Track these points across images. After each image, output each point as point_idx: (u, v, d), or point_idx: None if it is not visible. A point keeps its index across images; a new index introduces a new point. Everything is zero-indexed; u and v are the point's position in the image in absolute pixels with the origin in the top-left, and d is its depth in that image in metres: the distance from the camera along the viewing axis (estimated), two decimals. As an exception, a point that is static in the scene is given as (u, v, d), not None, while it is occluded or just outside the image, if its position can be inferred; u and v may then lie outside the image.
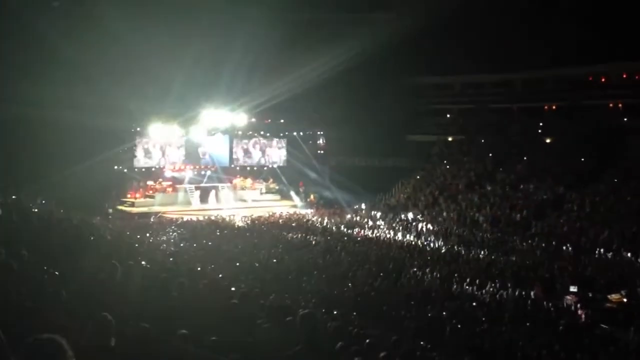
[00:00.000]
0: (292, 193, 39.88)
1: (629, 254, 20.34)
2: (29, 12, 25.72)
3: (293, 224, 29.43)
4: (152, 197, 35.48)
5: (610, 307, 14.76)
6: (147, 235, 24.93)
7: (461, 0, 32.06)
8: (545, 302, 15.01)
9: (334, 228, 28.58)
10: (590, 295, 15.51)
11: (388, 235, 26.95)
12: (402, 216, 30.95)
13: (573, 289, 15.67)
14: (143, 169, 36.59)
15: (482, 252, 22.32)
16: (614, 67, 34.77)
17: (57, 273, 6.56)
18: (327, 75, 32.83)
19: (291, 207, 37.37)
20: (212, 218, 30.66)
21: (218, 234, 26.11)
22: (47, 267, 6.90)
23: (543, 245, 22.89)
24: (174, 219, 30.89)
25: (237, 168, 40.56)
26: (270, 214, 32.77)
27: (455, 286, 16.70)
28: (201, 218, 30.67)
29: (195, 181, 37.96)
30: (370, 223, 30.12)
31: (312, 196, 39.48)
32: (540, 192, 29.58)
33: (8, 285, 5.24)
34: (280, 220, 30.74)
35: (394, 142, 39.27)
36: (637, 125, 31.46)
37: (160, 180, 36.74)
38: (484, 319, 13.15)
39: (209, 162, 39.15)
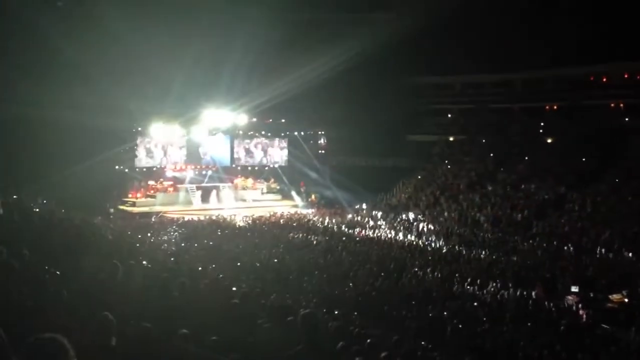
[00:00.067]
0: (293, 193, 39.90)
1: (630, 254, 20.31)
2: (29, 13, 25.73)
3: (294, 224, 29.42)
4: (153, 196, 35.54)
5: (611, 307, 14.74)
6: (148, 235, 24.94)
7: (461, 0, 32.05)
8: (546, 302, 14.99)
9: (335, 228, 28.56)
10: (592, 295, 15.49)
11: (389, 235, 26.93)
12: (403, 216, 30.93)
13: (574, 289, 15.66)
14: (144, 169, 36.65)
15: (483, 252, 22.30)
16: (616, 67, 34.74)
17: (58, 273, 6.56)
18: (328, 75, 32.84)
19: (292, 207, 37.38)
20: (213, 218, 30.68)
21: (219, 233, 26.12)
22: (49, 267, 6.89)
23: (544, 245, 22.85)
24: (175, 219, 30.90)
25: (238, 168, 40.60)
26: (272, 213, 32.77)
27: (456, 286, 16.68)
28: (202, 218, 30.68)
29: (196, 181, 38.01)
30: (371, 223, 30.10)
31: (313, 196, 39.49)
32: (541, 192, 29.56)
33: (9, 285, 5.24)
34: (282, 220, 30.73)
35: (394, 142, 39.28)
36: (638, 125, 31.43)
37: (162, 180, 36.80)
38: (485, 319, 13.13)
39: (210, 162, 39.18)
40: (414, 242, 25.14)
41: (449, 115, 42.79)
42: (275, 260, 19.90)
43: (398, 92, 39.80)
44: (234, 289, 9.31)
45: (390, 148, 39.01)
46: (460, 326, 12.13)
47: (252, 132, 40.49)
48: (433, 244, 24.88)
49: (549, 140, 35.73)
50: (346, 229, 28.31)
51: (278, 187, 40.90)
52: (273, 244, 23.04)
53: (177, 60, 30.56)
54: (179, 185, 37.11)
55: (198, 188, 37.26)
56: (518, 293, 15.79)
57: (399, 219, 30.34)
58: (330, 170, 40.20)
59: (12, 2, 25.74)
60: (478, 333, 11.91)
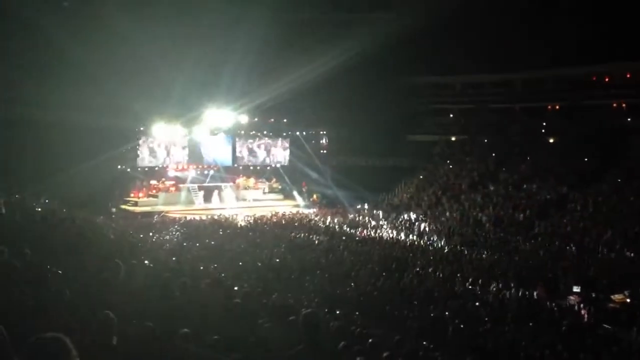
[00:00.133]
0: (295, 193, 39.90)
1: (632, 254, 20.29)
2: (34, 13, 25.78)
3: (296, 224, 29.41)
4: (155, 196, 35.58)
5: (613, 308, 14.73)
6: (150, 234, 24.97)
7: (461, 0, 32.05)
8: (548, 302, 14.98)
9: (336, 228, 28.56)
10: (594, 295, 15.47)
11: (391, 235, 26.92)
12: (405, 216, 30.92)
13: (576, 289, 15.64)
14: (146, 169, 36.69)
15: (485, 252, 22.28)
16: (617, 67, 34.70)
17: (60, 272, 6.57)
18: (329, 75, 32.83)
19: (294, 206, 37.39)
20: (215, 217, 30.69)
21: (221, 233, 26.12)
22: (50, 266, 6.91)
23: (546, 245, 22.86)
24: (177, 219, 30.92)
25: (240, 167, 40.63)
26: (273, 213, 32.78)
27: (458, 286, 16.67)
28: (204, 217, 30.69)
29: (198, 180, 38.04)
30: (373, 223, 30.09)
31: (314, 196, 39.49)
32: (543, 192, 29.54)
33: (11, 284, 5.25)
34: (283, 220, 30.73)
35: (396, 142, 39.29)
36: (640, 125, 31.44)
37: (164, 179, 36.84)
38: (486, 318, 13.12)
39: (212, 162, 39.21)
40: (416, 242, 25.13)
41: (450, 115, 42.77)
42: (277, 260, 19.89)
43: (399, 92, 39.81)
44: (235, 288, 9.33)
45: (391, 148, 39.01)
46: (462, 326, 12.12)
47: (253, 132, 40.51)
48: (435, 244, 24.87)
49: (551, 140, 35.70)
50: (348, 229, 28.30)
51: (280, 187, 40.92)
52: (275, 244, 23.03)
53: (180, 61, 30.61)
54: (180, 185, 37.15)
55: (200, 188, 37.30)
56: (520, 293, 15.76)
57: (400, 219, 30.33)
58: (332, 170, 40.19)
59: (17, 3, 25.80)
60: (480, 333, 11.90)
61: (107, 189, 32.32)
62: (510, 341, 11.43)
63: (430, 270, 18.36)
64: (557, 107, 37.33)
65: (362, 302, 14.50)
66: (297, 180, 40.35)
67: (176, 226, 28.35)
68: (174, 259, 14.85)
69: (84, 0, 30.92)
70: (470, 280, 17.12)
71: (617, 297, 15.29)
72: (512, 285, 16.40)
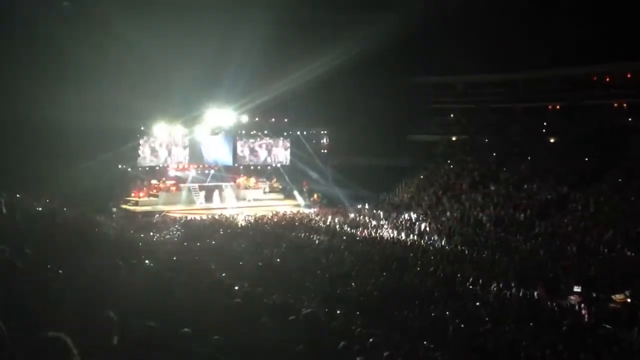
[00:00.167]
0: (296, 192, 39.89)
1: (633, 254, 20.28)
2: (34, 14, 25.78)
3: (296, 224, 29.42)
4: (155, 196, 35.59)
5: (614, 308, 14.73)
6: (151, 234, 24.98)
7: (461, 0, 32.04)
8: (549, 302, 14.99)
9: (337, 227, 28.56)
10: (594, 295, 15.47)
11: (391, 235, 26.90)
12: (406, 216, 30.91)
13: (577, 289, 15.65)
14: (147, 168, 36.70)
15: (486, 252, 22.26)
16: (618, 67, 34.66)
17: (60, 272, 6.57)
18: (330, 74, 32.84)
19: (294, 206, 37.38)
20: (216, 217, 30.70)
21: (221, 233, 26.13)
22: (51, 266, 6.91)
23: (547, 245, 22.82)
24: (178, 218, 30.92)
25: (241, 167, 40.64)
26: (274, 213, 32.78)
27: (458, 286, 16.67)
28: (205, 217, 30.70)
29: (199, 180, 38.04)
30: (374, 222, 30.08)
31: (315, 195, 39.48)
32: (543, 192, 29.53)
33: (12, 284, 5.25)
34: (284, 220, 30.72)
35: (396, 142, 39.25)
36: (641, 125, 31.41)
37: (164, 179, 36.86)
38: (487, 318, 13.13)
39: (212, 162, 39.22)
40: (416, 242, 25.11)
41: (451, 115, 42.76)
42: (278, 260, 19.91)
43: (400, 91, 39.81)
44: (236, 288, 9.32)
45: (392, 148, 38.97)
46: (462, 326, 12.14)
47: (254, 132, 40.51)
48: (435, 244, 24.85)
49: (551, 140, 35.68)
50: (348, 229, 28.29)
51: (280, 187, 40.93)
52: (275, 244, 23.04)
53: (181, 61, 30.61)
54: (181, 185, 37.16)
55: (201, 187, 37.31)
56: (520, 293, 15.77)
57: (401, 219, 30.32)
58: (333, 170, 40.17)
59: (18, 4, 25.81)
60: (480, 333, 11.91)
61: (107, 188, 32.33)
62: (511, 341, 11.44)
63: (430, 270, 18.36)
64: (558, 107, 37.29)
65: (363, 302, 14.51)
66: (297, 180, 40.35)
67: (177, 226, 28.36)
68: (174, 258, 14.85)
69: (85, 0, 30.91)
70: (470, 280, 17.13)
71: (617, 297, 15.29)
72: (513, 285, 16.41)
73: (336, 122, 38.58)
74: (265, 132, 40.90)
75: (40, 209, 20.12)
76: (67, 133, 27.31)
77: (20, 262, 6.10)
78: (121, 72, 28.54)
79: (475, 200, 30.92)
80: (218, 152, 39.37)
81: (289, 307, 8.11)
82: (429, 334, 11.47)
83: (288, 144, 41.85)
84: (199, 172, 38.54)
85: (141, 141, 36.03)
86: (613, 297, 15.32)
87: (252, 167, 41.13)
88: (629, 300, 15.10)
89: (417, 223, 28.97)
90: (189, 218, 30.59)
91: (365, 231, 27.80)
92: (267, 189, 40.11)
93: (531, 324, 12.79)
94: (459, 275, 17.66)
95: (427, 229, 27.67)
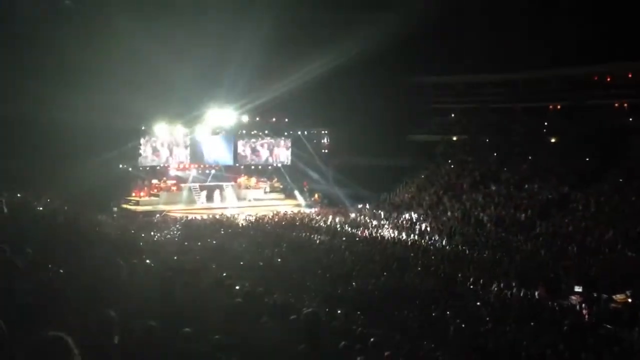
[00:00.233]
0: (296, 192, 39.91)
1: (633, 254, 20.25)
2: (37, 14, 25.80)
3: (297, 223, 29.43)
4: (156, 195, 35.63)
5: (615, 308, 14.73)
6: (152, 233, 24.99)
7: (462, 0, 32.07)
8: (549, 302, 14.98)
9: (337, 227, 28.56)
10: (595, 295, 15.46)
11: (392, 235, 26.90)
12: (406, 216, 30.89)
13: (578, 289, 15.65)
14: (148, 168, 36.72)
15: (487, 252, 22.24)
16: (619, 67, 34.60)
17: (61, 271, 6.58)
18: (331, 74, 32.83)
19: (295, 206, 37.40)
20: (217, 217, 30.71)
21: (222, 232, 26.14)
22: (52, 265, 6.91)
23: (548, 245, 22.80)
24: (178, 218, 30.94)
25: (242, 167, 40.66)
26: (274, 213, 32.80)
27: (459, 286, 16.67)
28: (205, 217, 30.72)
29: (200, 180, 38.07)
30: (374, 222, 30.08)
31: (316, 195, 39.49)
32: (544, 192, 29.50)
33: (13, 284, 5.26)
34: (284, 221, 30.72)
35: (397, 142, 39.21)
36: (642, 125, 31.38)
37: (165, 179, 36.89)
38: (488, 318, 13.13)
39: (213, 162, 39.23)
40: (417, 242, 25.11)
41: (452, 115, 42.73)
42: (278, 260, 19.92)
43: (400, 91, 39.77)
44: (236, 287, 9.33)
45: (393, 148, 38.91)
46: (463, 326, 12.14)
47: (255, 132, 40.53)
48: (436, 244, 24.84)
49: (552, 140, 35.65)
50: (349, 229, 28.29)
51: (281, 186, 40.95)
52: (276, 243, 23.06)
53: (182, 60, 30.61)
54: (182, 185, 37.19)
55: (201, 187, 37.34)
56: (521, 293, 15.77)
57: (401, 219, 30.31)
58: (333, 170, 40.18)
59: (21, 4, 25.83)
60: (481, 333, 11.91)
61: (108, 188, 32.32)
62: (512, 341, 11.44)
63: (431, 270, 18.36)
64: (559, 107, 37.26)
65: (364, 301, 14.51)
66: (298, 180, 40.36)
67: (177, 225, 28.37)
68: (175, 258, 14.87)
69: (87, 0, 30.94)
70: (471, 280, 17.13)
71: (618, 297, 15.29)
72: (514, 285, 16.41)
73: (336, 122, 38.58)
74: (266, 132, 40.92)
75: (41, 208, 20.14)
76: (68, 133, 27.32)
77: (21, 262, 6.11)
78: (123, 72, 28.53)
79: (476, 200, 30.89)
80: (218, 152, 39.38)
81: (290, 306, 8.11)
82: (429, 333, 11.48)
83: (289, 144, 41.87)
84: (200, 171, 38.57)
85: (142, 141, 36.05)
86: (614, 297, 15.31)
87: (252, 167, 41.15)
88: (629, 300, 15.10)
89: (418, 223, 28.96)
90: (189, 218, 30.61)
91: (366, 231, 27.80)
92: (267, 189, 40.13)
93: (532, 324, 12.79)
94: (459, 275, 17.67)
95: (428, 229, 27.66)
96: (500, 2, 33.82)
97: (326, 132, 42.42)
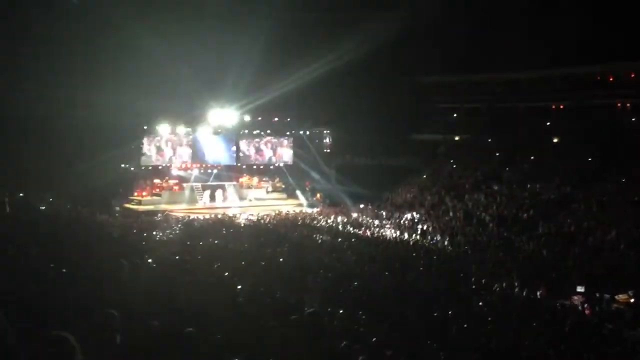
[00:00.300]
0: (298, 192, 39.92)
1: (636, 254, 20.21)
2: (39, 12, 25.85)
3: (299, 223, 29.43)
4: (158, 195, 35.70)
5: (617, 307, 14.71)
6: (154, 233, 24.99)
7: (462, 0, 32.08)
8: (552, 302, 14.96)
9: (339, 227, 28.56)
10: (597, 295, 15.45)
11: (394, 235, 26.89)
12: (408, 215, 30.87)
13: (580, 289, 15.63)
14: (150, 167, 36.78)
15: (489, 252, 22.24)
16: (622, 67, 34.53)
17: (64, 270, 6.60)
18: (333, 74, 32.85)
19: (297, 205, 37.41)
20: (219, 216, 30.73)
21: (224, 232, 26.14)
22: (55, 265, 6.93)
23: (550, 245, 22.77)
24: (181, 217, 30.95)
25: (243, 167, 40.68)
26: (276, 212, 32.81)
27: (461, 286, 16.65)
28: (207, 216, 30.73)
29: (202, 179, 38.11)
30: (376, 222, 30.07)
31: (318, 195, 39.51)
32: (547, 191, 29.44)
33: (16, 282, 5.28)
34: (286, 220, 30.72)
35: (399, 142, 39.26)
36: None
37: (167, 178, 36.94)
38: (490, 318, 13.11)
39: (215, 162, 39.28)
40: (419, 242, 25.10)
41: (454, 115, 42.70)
42: (280, 259, 19.90)
43: (403, 91, 39.80)
44: (239, 287, 9.34)
45: (395, 147, 38.99)
46: (465, 326, 12.12)
47: (257, 131, 40.55)
48: (438, 244, 24.83)
49: (555, 140, 35.60)
50: (351, 228, 28.29)
51: (283, 186, 40.97)
52: (278, 243, 23.05)
53: (184, 60, 30.68)
54: (184, 184, 37.23)
55: (203, 187, 37.38)
56: (524, 293, 15.75)
57: (404, 219, 30.30)
58: (336, 170, 40.20)
59: (23, 3, 25.88)
60: (483, 333, 11.88)
61: (110, 187, 32.40)
62: (514, 341, 11.42)
63: (433, 270, 18.34)
64: (562, 106, 37.21)
65: (365, 301, 14.49)
66: (300, 179, 40.38)
67: (180, 225, 28.37)
68: (177, 257, 14.85)
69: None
70: (473, 279, 17.11)
71: (621, 297, 15.28)
72: (516, 285, 16.39)
73: (338, 122, 38.60)
74: (268, 131, 40.94)
75: (44, 208, 20.18)
76: (70, 132, 27.38)
77: (25, 261, 6.13)
78: (125, 71, 28.59)
79: (478, 200, 30.86)
80: (219, 152, 39.41)
81: (292, 306, 8.11)
82: (431, 333, 11.45)
83: (292, 143, 41.89)
84: (202, 171, 38.62)
85: (146, 140, 36.11)
86: (616, 297, 15.29)
87: (254, 167, 41.17)
88: (632, 300, 15.09)
89: (420, 223, 28.95)
90: (191, 217, 30.63)
91: (368, 231, 27.79)
92: (269, 189, 40.16)
93: (534, 323, 12.77)
94: (462, 275, 17.64)
95: (430, 229, 27.66)
96: (501, 2, 33.79)
97: (328, 132, 42.44)
